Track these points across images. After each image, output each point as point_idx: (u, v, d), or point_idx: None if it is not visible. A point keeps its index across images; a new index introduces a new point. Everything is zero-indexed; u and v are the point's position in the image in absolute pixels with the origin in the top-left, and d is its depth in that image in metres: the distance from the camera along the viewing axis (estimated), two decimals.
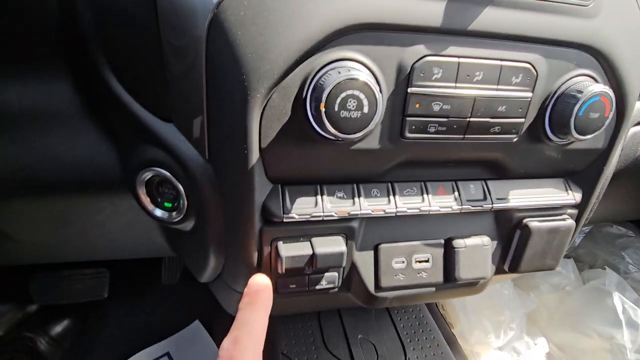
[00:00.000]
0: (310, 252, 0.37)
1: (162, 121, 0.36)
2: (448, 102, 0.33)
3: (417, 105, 0.33)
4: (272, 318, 0.33)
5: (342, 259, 0.38)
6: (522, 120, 0.36)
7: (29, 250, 0.56)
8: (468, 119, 0.34)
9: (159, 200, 0.39)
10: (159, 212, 0.39)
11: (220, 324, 0.90)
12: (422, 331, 0.82)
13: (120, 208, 0.46)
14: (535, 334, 0.91)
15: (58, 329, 0.89)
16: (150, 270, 1.00)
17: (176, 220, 0.38)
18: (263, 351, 0.31)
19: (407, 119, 0.33)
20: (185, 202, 0.37)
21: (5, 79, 0.36)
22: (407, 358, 0.75)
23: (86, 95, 0.39)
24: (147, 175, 0.37)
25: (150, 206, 0.39)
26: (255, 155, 0.32)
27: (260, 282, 0.35)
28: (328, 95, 0.29)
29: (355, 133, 0.31)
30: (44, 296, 0.86)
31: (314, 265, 0.37)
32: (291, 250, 0.36)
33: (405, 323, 0.84)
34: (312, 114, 0.31)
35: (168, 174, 0.36)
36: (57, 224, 0.47)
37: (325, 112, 0.29)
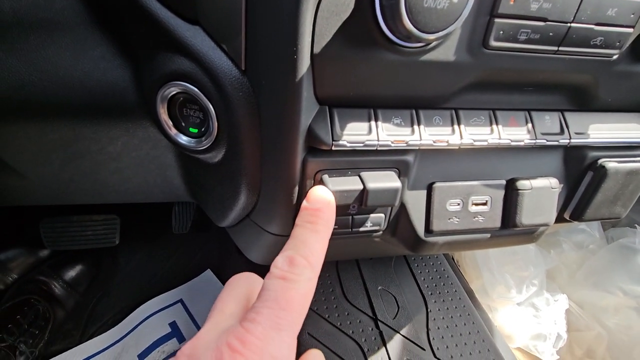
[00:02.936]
0: (361, 187, 0.32)
1: (186, 23, 0.29)
2: None
3: (512, 2, 0.26)
4: None
5: (396, 196, 0.33)
6: (631, 30, 0.29)
7: (37, 189, 0.52)
8: (569, 24, 0.27)
9: (183, 124, 0.33)
10: (183, 139, 0.33)
11: (231, 273, 0.89)
12: (444, 284, 0.80)
13: (135, 139, 0.41)
14: (555, 291, 0.90)
15: (72, 273, 0.88)
16: (160, 219, 0.99)
17: (205, 147, 0.33)
18: None
19: (496, 20, 0.27)
20: (216, 125, 0.31)
21: None
22: (429, 310, 0.74)
23: None
24: (171, 91, 0.31)
25: (173, 131, 0.33)
26: (305, 63, 0.26)
27: (324, 196, 0.30)
28: None
29: (436, 32, 0.24)
30: (55, 241, 0.85)
31: (364, 202, 0.32)
32: (339, 185, 0.31)
33: (425, 276, 0.82)
34: (382, 4, 0.24)
35: (195, 89, 0.30)
36: (66, 155, 0.42)
37: None
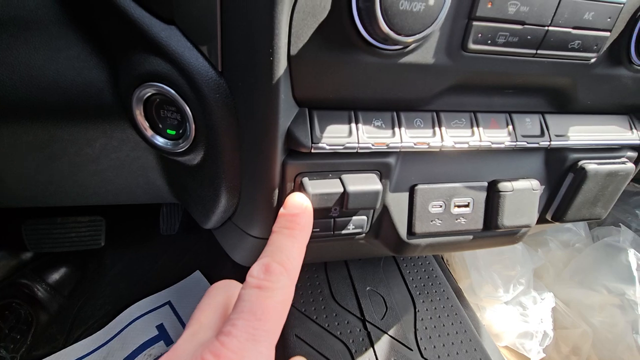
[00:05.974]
0: (341, 190, 0.31)
1: (161, 22, 0.28)
2: (528, 1, 0.26)
3: (489, 5, 0.26)
4: None
5: (376, 199, 0.32)
6: (607, 34, 0.29)
7: (15, 191, 0.51)
8: (547, 28, 0.27)
9: (160, 126, 0.33)
10: (160, 140, 0.33)
11: (220, 274, 0.88)
12: (432, 284, 0.81)
13: (113, 140, 0.40)
14: (542, 290, 0.91)
15: (56, 276, 0.87)
16: (148, 221, 0.97)
17: (182, 150, 0.32)
18: None
19: (474, 23, 0.26)
20: (193, 127, 0.31)
21: None
22: (417, 310, 0.74)
23: None
24: (146, 92, 0.30)
25: (149, 132, 0.32)
26: (282, 65, 0.26)
27: (301, 202, 0.29)
28: None
29: (412, 35, 0.24)
30: (38, 244, 0.83)
31: (344, 205, 0.32)
32: (319, 188, 0.31)
33: (414, 276, 0.82)
34: (359, 7, 0.24)
35: (171, 90, 0.29)
36: (42, 156, 0.41)
37: (380, 1, 0.22)
